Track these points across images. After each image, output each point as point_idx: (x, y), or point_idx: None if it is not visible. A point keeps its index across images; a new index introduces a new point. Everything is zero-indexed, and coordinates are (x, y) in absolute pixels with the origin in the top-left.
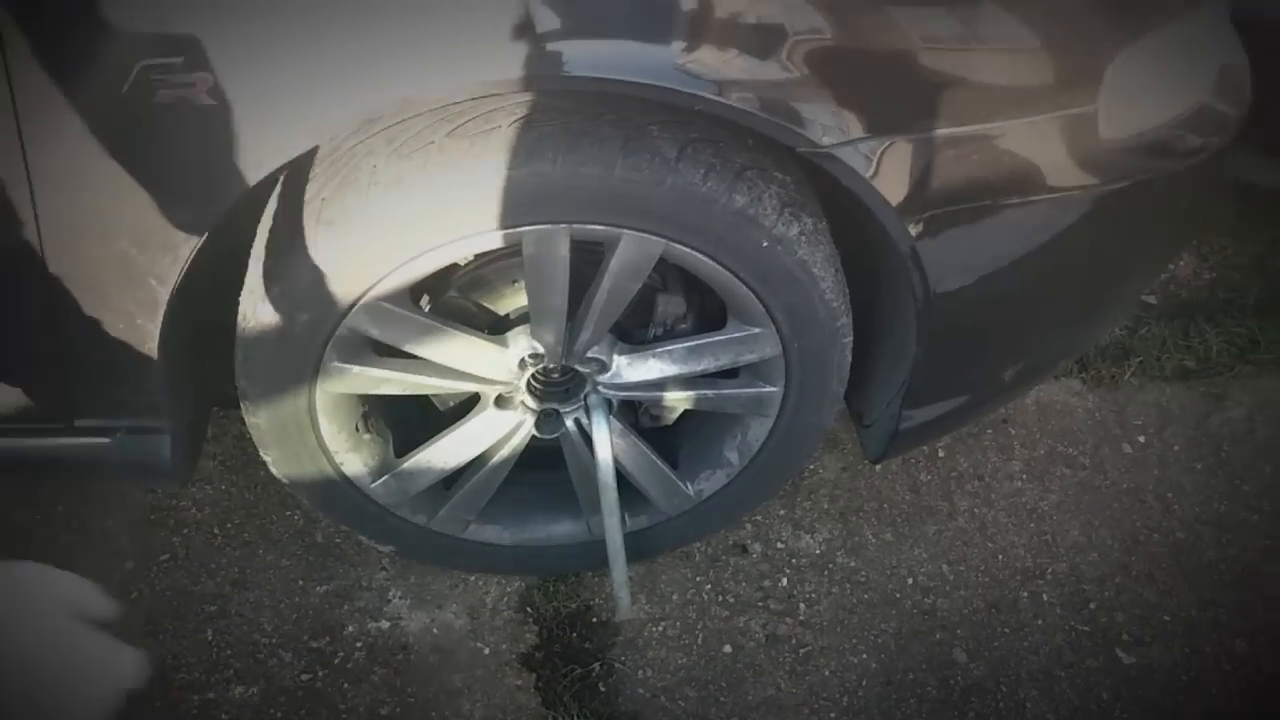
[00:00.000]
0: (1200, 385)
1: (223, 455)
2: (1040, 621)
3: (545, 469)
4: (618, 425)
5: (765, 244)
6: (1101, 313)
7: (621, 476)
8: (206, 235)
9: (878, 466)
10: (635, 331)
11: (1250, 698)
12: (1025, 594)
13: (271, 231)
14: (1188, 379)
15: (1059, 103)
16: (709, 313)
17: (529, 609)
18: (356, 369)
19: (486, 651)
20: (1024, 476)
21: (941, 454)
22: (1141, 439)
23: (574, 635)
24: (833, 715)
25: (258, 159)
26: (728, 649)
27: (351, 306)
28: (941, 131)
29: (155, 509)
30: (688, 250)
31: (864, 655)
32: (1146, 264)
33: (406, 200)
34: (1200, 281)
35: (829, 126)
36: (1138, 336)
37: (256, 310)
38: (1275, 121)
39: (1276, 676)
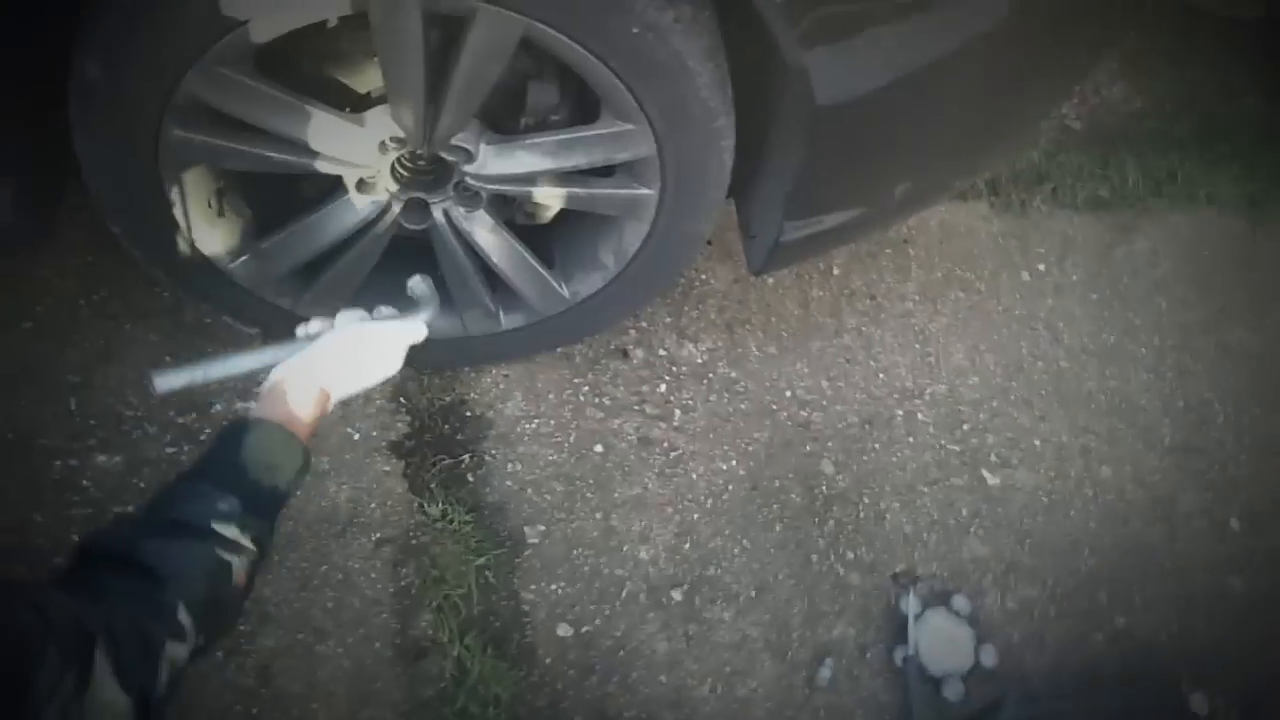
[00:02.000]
0: (1110, 216)
1: (90, 225)
2: (912, 439)
3: (419, 259)
4: (489, 220)
5: (636, 30)
6: (1003, 133)
7: (496, 274)
8: None
9: (769, 280)
10: (506, 121)
11: (1107, 522)
12: (900, 412)
13: None
14: (1098, 209)
15: None
16: (586, 106)
17: (402, 399)
18: (199, 139)
19: (356, 437)
20: (916, 297)
21: (836, 271)
22: (1041, 267)
23: (446, 427)
24: (696, 516)
25: None
26: (599, 449)
27: (185, 70)
28: None
29: (12, 275)
30: (551, 32)
31: (733, 462)
32: (1054, 84)
33: None
34: (1130, 109)
35: None
36: (1055, 161)
37: (84, 65)
38: None
39: (1135, 502)
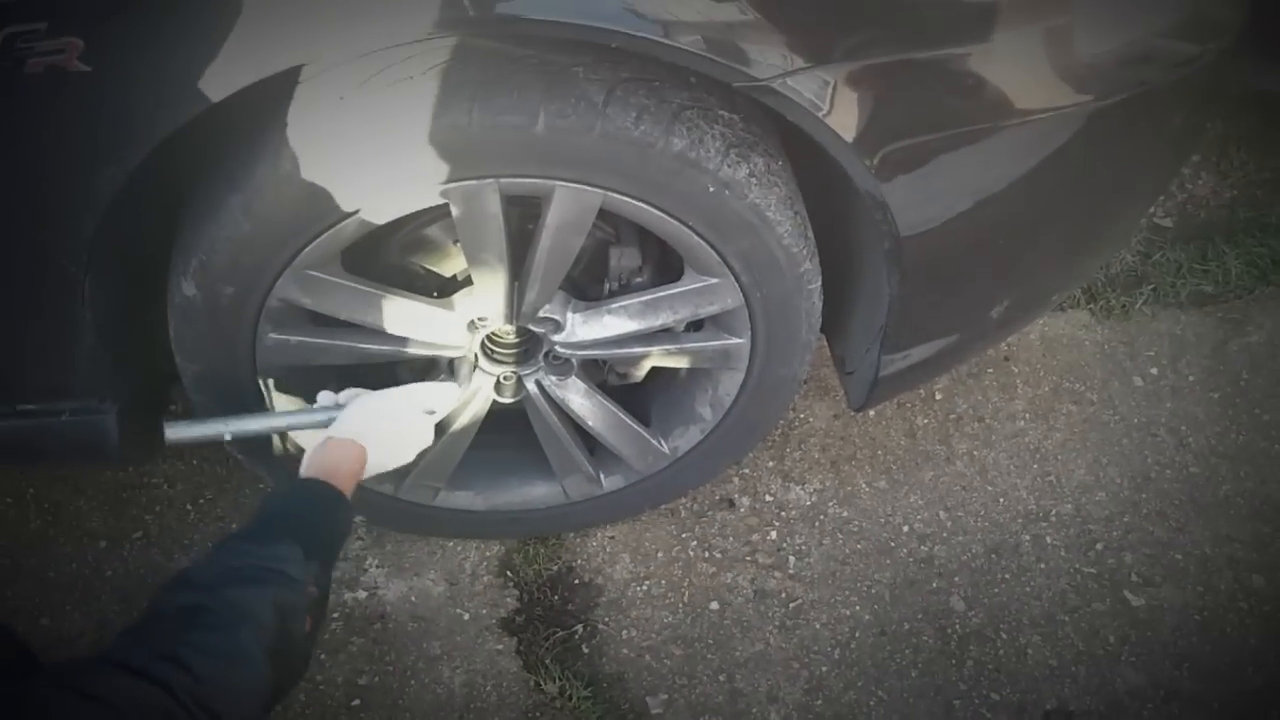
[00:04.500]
0: (1218, 310)
1: None
2: (1043, 565)
3: (514, 432)
4: (582, 385)
5: (711, 189)
6: (1094, 242)
7: (594, 438)
8: (107, 210)
9: (870, 412)
10: (591, 287)
11: (1269, 635)
12: (1027, 537)
13: (184, 203)
14: (1204, 305)
15: (1028, 17)
16: (668, 264)
17: (509, 573)
18: (295, 340)
19: (466, 617)
20: (1027, 416)
21: (939, 396)
22: (1154, 370)
23: (555, 598)
24: (824, 669)
25: (149, 129)
26: (715, 605)
27: (276, 277)
28: (895, 58)
29: (127, 487)
30: (628, 200)
31: (857, 607)
32: (1140, 187)
33: (320, 162)
34: (1220, 200)
35: (765, 59)
36: (1151, 262)
37: (180, 285)
38: None
39: None
